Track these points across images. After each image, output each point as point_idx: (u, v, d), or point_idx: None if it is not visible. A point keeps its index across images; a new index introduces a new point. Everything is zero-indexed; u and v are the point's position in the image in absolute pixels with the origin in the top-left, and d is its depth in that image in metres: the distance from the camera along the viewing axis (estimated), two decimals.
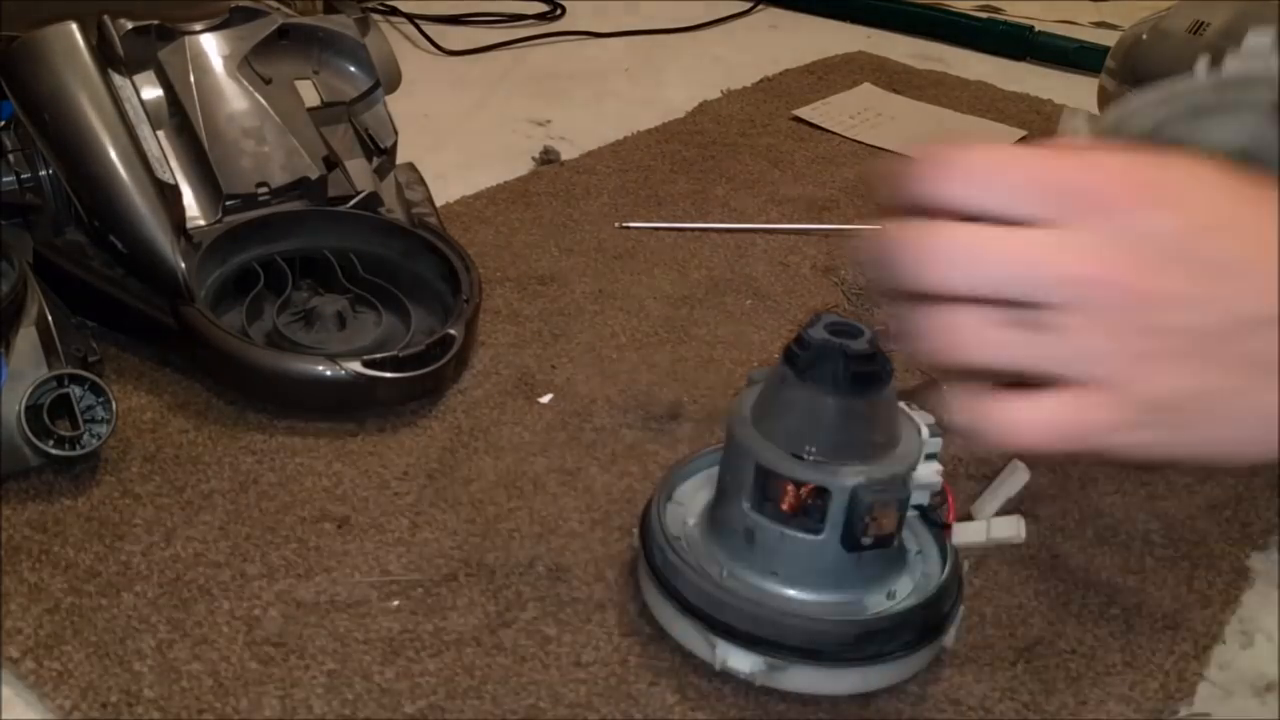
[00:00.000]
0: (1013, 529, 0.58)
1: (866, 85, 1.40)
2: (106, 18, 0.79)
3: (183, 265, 0.75)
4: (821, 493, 0.55)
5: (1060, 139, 0.34)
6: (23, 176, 0.79)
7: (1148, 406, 0.36)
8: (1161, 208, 0.35)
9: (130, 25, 0.79)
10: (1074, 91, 1.40)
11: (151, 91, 0.81)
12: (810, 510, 0.56)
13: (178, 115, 0.81)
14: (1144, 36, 1.12)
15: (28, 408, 0.65)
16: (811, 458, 0.56)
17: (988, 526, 0.59)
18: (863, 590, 0.58)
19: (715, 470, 0.62)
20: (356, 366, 0.72)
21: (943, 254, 0.36)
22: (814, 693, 0.57)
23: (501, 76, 1.36)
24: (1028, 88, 1.42)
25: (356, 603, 0.61)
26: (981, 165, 0.36)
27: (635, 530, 0.63)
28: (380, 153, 0.89)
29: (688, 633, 0.58)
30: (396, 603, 0.61)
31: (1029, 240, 0.35)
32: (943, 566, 0.60)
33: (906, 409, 0.58)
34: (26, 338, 0.67)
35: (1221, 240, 0.35)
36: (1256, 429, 0.36)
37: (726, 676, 0.57)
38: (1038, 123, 1.32)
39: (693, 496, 0.64)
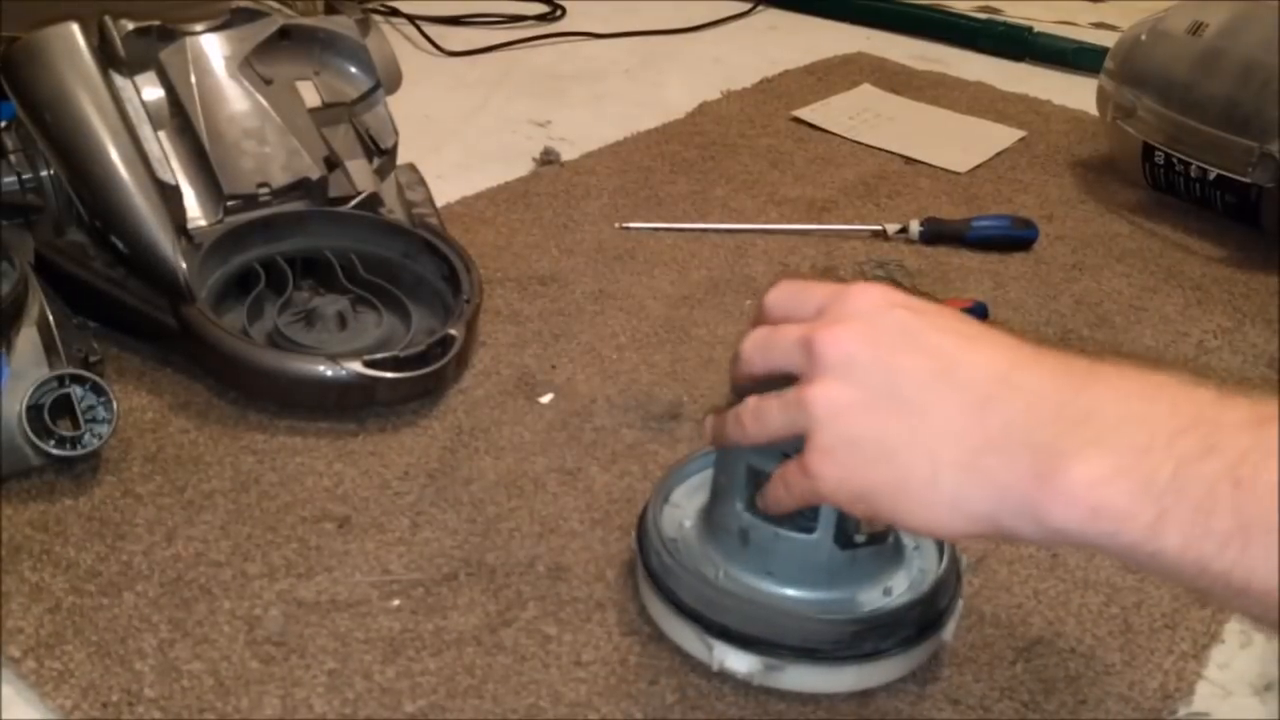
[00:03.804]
0: None
1: (866, 86, 1.40)
2: (108, 18, 0.79)
3: (184, 265, 0.75)
4: None
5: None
6: (24, 177, 0.79)
7: (837, 441, 0.47)
8: (904, 310, 0.48)
9: (131, 26, 0.79)
10: (1073, 92, 1.40)
11: (152, 92, 0.81)
12: (803, 509, 0.56)
13: (179, 116, 0.81)
14: (1143, 37, 1.12)
15: (29, 407, 0.65)
16: None
17: None
18: (858, 587, 0.58)
19: (711, 472, 0.63)
20: (357, 366, 0.72)
21: (752, 341, 0.52)
22: (812, 691, 0.57)
23: (502, 77, 1.36)
24: (1027, 88, 1.42)
25: (357, 602, 0.61)
26: (789, 290, 0.52)
27: (633, 534, 0.63)
28: (381, 153, 0.89)
29: (685, 635, 0.58)
30: (397, 602, 0.61)
31: (801, 328, 0.49)
32: (939, 561, 0.60)
33: None
34: (28, 338, 0.67)
35: (938, 335, 0.46)
36: (927, 495, 0.44)
37: (725, 676, 0.57)
38: (1037, 123, 1.32)
39: (689, 498, 0.64)
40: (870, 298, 0.49)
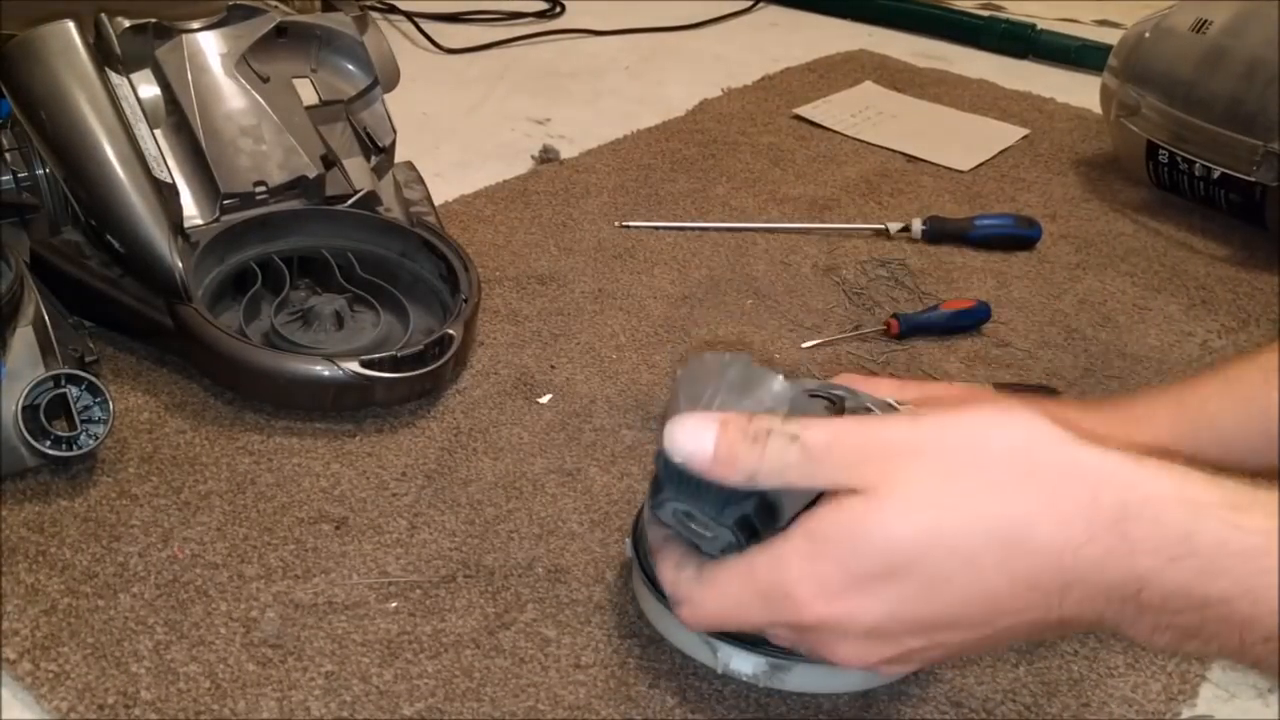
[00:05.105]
0: None
1: (868, 84, 1.39)
2: (104, 16, 0.79)
3: (180, 264, 0.75)
4: None
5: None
6: (20, 176, 0.78)
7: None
8: (865, 599, 0.42)
9: (127, 24, 0.79)
10: (1076, 90, 1.39)
11: (149, 90, 0.80)
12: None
13: (175, 114, 0.81)
14: (1147, 35, 1.12)
15: (24, 408, 0.64)
16: None
17: None
18: None
19: None
20: (354, 366, 0.72)
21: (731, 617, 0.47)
22: (816, 692, 0.57)
23: (501, 75, 1.36)
24: (1030, 86, 1.42)
25: (354, 604, 0.60)
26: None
27: (628, 540, 0.62)
28: (378, 151, 0.89)
29: (687, 638, 0.58)
30: (395, 604, 0.61)
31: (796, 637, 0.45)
32: None
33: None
34: (23, 338, 0.67)
35: (927, 607, 0.41)
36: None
37: (727, 678, 0.57)
38: (1040, 121, 1.31)
39: None
40: (819, 608, 0.42)
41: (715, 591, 0.44)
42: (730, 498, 0.44)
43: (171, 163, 0.79)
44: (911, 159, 1.20)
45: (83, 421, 0.66)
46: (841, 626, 0.41)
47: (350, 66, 0.89)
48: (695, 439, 0.42)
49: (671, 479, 0.46)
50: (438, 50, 1.41)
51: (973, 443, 0.41)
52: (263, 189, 0.81)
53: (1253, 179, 1.01)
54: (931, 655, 0.42)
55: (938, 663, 0.48)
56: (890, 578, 0.40)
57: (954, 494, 0.39)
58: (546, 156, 1.13)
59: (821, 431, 0.41)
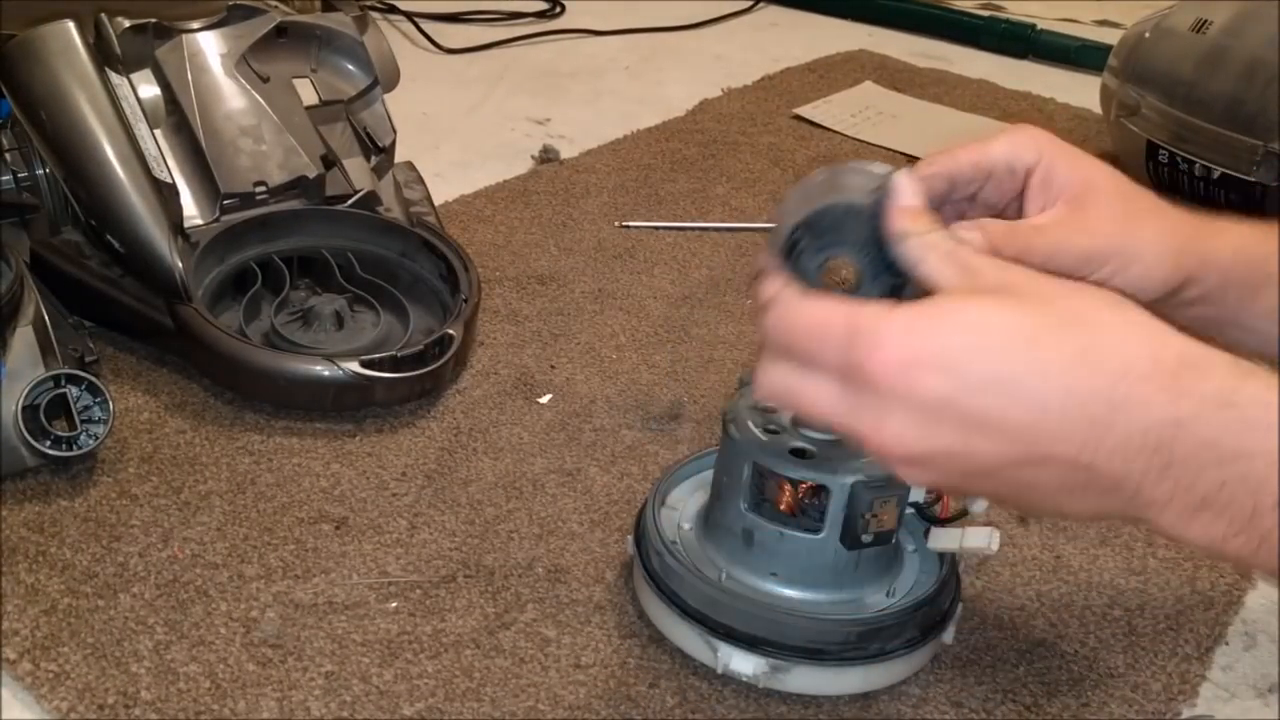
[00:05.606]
0: (984, 540, 0.57)
1: (868, 84, 1.39)
2: (104, 16, 0.79)
3: (180, 264, 0.75)
4: (820, 491, 0.55)
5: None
6: (20, 175, 0.78)
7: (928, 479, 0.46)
8: (940, 375, 0.42)
9: (127, 24, 0.79)
10: (1076, 90, 1.39)
11: (149, 90, 0.80)
12: (809, 509, 0.56)
13: (175, 114, 0.81)
14: (1147, 35, 1.12)
15: (24, 408, 0.64)
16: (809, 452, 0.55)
17: (961, 535, 0.58)
18: (863, 589, 0.58)
19: (708, 474, 0.62)
20: (354, 366, 0.72)
21: (775, 396, 0.46)
22: (817, 693, 0.57)
23: (500, 75, 1.36)
24: (1030, 86, 1.42)
25: (354, 604, 0.60)
26: (798, 333, 0.45)
27: (630, 537, 0.62)
28: (378, 151, 0.89)
29: (688, 637, 0.58)
30: (395, 604, 0.61)
31: (841, 415, 0.44)
32: (941, 563, 0.59)
33: None
34: (23, 337, 0.67)
35: (990, 401, 0.42)
36: (1066, 510, 0.45)
37: (727, 678, 0.57)
38: (1040, 121, 1.31)
39: (686, 500, 0.64)
40: (892, 361, 0.43)
41: (810, 303, 0.45)
42: (891, 264, 0.47)
43: (171, 163, 0.79)
44: (911, 159, 1.19)
45: (83, 421, 0.66)
46: (901, 395, 0.43)
47: (350, 66, 0.89)
48: (906, 186, 0.47)
49: (836, 227, 0.48)
50: (438, 50, 1.41)
51: (1073, 290, 0.45)
52: (263, 189, 0.81)
53: (1253, 179, 1.01)
54: (958, 464, 0.43)
55: (956, 486, 0.49)
56: (964, 357, 0.42)
57: (1047, 310, 0.43)
58: (546, 156, 1.13)
59: (973, 254, 0.46)
